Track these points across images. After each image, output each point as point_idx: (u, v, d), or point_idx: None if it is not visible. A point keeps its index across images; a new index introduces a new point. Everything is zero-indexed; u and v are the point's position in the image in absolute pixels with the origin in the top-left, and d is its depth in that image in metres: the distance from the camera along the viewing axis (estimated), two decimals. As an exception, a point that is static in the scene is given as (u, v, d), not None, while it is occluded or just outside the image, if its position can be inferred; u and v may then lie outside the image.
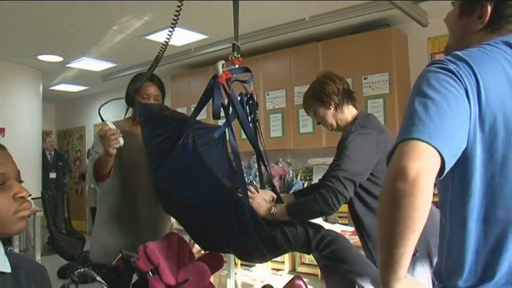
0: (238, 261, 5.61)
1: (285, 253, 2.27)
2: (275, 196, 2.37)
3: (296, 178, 5.92)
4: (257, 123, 2.44)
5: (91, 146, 2.50)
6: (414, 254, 1.69)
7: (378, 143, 2.19)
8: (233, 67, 2.24)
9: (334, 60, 5.62)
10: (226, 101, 2.21)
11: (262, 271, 5.84)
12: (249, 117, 2.40)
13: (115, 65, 7.16)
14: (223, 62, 2.18)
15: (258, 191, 2.35)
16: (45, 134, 8.63)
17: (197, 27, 5.43)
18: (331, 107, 2.34)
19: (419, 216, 0.97)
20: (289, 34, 5.67)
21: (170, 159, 2.21)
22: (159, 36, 5.68)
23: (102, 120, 2.26)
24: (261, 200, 2.24)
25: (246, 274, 5.78)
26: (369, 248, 2.28)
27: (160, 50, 2.17)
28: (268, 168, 2.55)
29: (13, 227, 1.16)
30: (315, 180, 5.77)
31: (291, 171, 5.97)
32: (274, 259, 5.77)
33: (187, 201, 2.18)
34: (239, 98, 2.32)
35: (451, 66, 1.08)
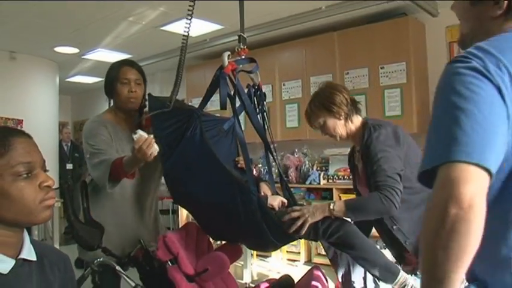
0: (254, 252, 5.62)
1: (293, 241, 2.27)
2: (285, 201, 2.37)
3: (312, 169, 5.90)
4: (265, 114, 2.43)
5: (86, 153, 2.43)
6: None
7: (395, 133, 2.25)
8: (239, 58, 2.25)
9: (350, 50, 5.58)
10: (232, 92, 2.22)
11: (278, 262, 5.85)
12: (257, 108, 2.41)
13: (130, 56, 7.15)
14: (229, 53, 2.21)
15: (270, 191, 2.37)
16: (62, 126, 8.69)
17: (213, 17, 5.41)
18: (341, 118, 2.33)
19: (475, 241, 0.92)
20: (305, 24, 5.62)
21: (179, 150, 2.24)
22: (175, 27, 5.67)
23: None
24: (312, 206, 2.25)
25: (261, 265, 5.79)
26: (398, 228, 2.25)
27: (182, 42, 2.17)
28: (276, 159, 2.55)
29: (39, 216, 1.17)
30: (331, 171, 5.75)
31: (307, 162, 5.96)
32: (290, 250, 5.80)
33: (196, 192, 2.21)
34: (246, 89, 2.33)
35: (476, 64, 1.00)
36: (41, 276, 1.24)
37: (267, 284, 2.41)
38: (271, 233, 2.12)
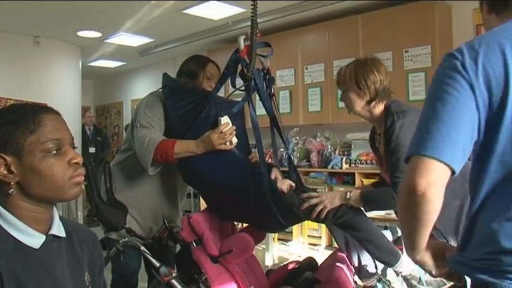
0: (276, 236, 5.64)
1: (301, 221, 2.28)
2: (293, 184, 2.37)
3: (334, 153, 5.86)
4: (273, 98, 2.47)
5: (136, 122, 2.46)
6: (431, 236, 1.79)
7: None
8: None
9: (374, 33, 5.49)
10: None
11: (299, 246, 5.85)
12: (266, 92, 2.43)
13: (152, 40, 7.18)
14: (245, 36, 2.23)
15: (280, 176, 2.37)
16: (84, 110, 8.78)
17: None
18: (365, 98, 2.22)
19: (429, 218, 1.18)
20: (328, 7, 5.56)
21: (192, 130, 2.28)
22: (197, 10, 5.65)
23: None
24: (330, 193, 2.28)
25: (283, 248, 5.81)
26: None
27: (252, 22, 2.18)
28: (285, 142, 2.59)
29: (68, 193, 1.18)
30: (353, 155, 5.71)
31: (329, 146, 5.92)
32: (311, 234, 5.80)
33: (207, 172, 2.25)
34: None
35: (456, 61, 1.15)
36: (71, 252, 1.25)
37: (294, 264, 2.42)
38: (280, 214, 2.16)
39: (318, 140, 5.99)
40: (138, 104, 2.54)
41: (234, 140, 2.22)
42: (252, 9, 2.20)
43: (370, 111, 2.26)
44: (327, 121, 5.94)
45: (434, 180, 1.13)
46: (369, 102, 2.23)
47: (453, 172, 1.15)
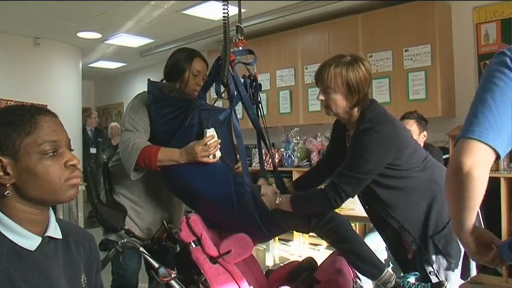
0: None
1: (285, 232, 2.30)
2: (278, 192, 2.36)
3: (334, 153, 5.84)
4: (260, 105, 2.45)
5: (122, 125, 2.46)
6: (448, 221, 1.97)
7: (396, 138, 2.08)
8: (237, 49, 2.26)
9: (374, 33, 5.50)
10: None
11: (300, 246, 5.84)
12: (252, 99, 2.42)
13: (152, 40, 7.19)
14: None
15: (266, 183, 2.39)
16: (85, 111, 8.80)
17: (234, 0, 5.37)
18: (352, 102, 2.10)
19: (475, 195, 1.25)
20: (328, 6, 5.56)
21: (176, 139, 2.27)
22: (197, 11, 5.67)
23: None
24: (267, 190, 2.26)
25: (283, 249, 5.80)
26: (391, 216, 2.18)
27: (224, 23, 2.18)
28: (270, 150, 2.57)
29: (64, 195, 1.17)
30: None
31: (329, 146, 5.90)
32: (312, 234, 5.76)
33: (190, 181, 2.23)
34: (243, 80, 2.34)
35: (505, 57, 1.26)
36: (67, 254, 1.25)
37: (294, 264, 2.43)
38: (263, 225, 2.16)
39: (319, 140, 5.98)
40: (127, 107, 2.52)
41: (218, 153, 2.19)
42: (223, 9, 2.19)
43: (350, 114, 2.16)
44: (327, 121, 5.90)
45: (479, 161, 1.22)
46: (354, 106, 2.12)
47: (498, 156, 1.24)
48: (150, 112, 2.38)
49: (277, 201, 2.18)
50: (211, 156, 2.18)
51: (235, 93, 2.25)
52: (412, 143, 2.19)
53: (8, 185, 1.12)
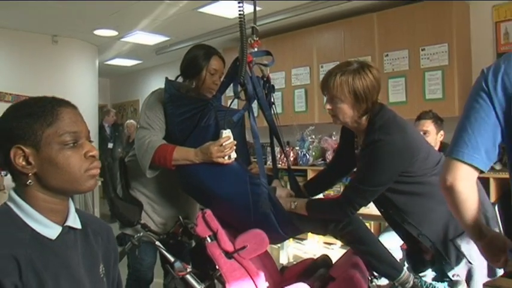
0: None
1: (301, 233, 2.29)
2: (293, 194, 2.37)
3: (349, 152, 5.82)
4: (273, 106, 2.45)
5: (137, 122, 2.46)
6: None
7: (406, 145, 2.03)
8: (253, 50, 2.27)
9: (390, 32, 5.45)
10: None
11: (314, 244, 5.83)
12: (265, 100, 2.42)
13: (168, 38, 7.21)
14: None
15: (280, 185, 2.39)
16: (101, 108, 8.89)
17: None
18: (360, 111, 2.07)
19: (464, 207, 1.40)
20: (343, 5, 5.53)
21: (191, 138, 2.27)
22: (212, 9, 5.67)
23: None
24: (281, 193, 2.27)
25: (298, 247, 5.79)
26: (408, 222, 2.18)
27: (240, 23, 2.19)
28: (284, 150, 2.57)
29: (84, 185, 1.19)
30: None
31: (344, 145, 5.88)
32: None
33: (206, 181, 2.24)
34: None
35: (481, 77, 1.41)
36: (86, 244, 1.27)
37: (309, 261, 2.43)
38: (280, 226, 2.17)
39: (334, 138, 5.96)
40: (143, 103, 2.53)
41: (233, 155, 2.19)
42: (239, 8, 2.19)
43: (358, 123, 2.13)
44: (342, 120, 5.91)
45: (459, 176, 1.39)
46: (362, 115, 2.09)
47: (481, 170, 1.40)
48: (166, 110, 2.39)
49: (292, 206, 2.20)
50: (226, 157, 2.17)
51: (253, 93, 2.25)
52: (425, 147, 2.15)
53: (30, 174, 1.15)
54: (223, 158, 2.17)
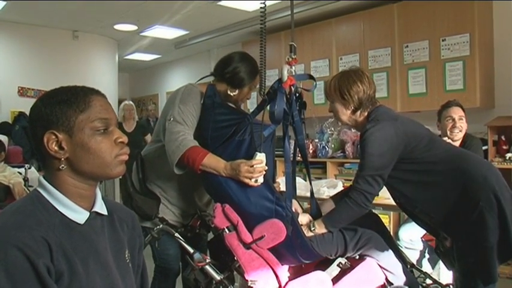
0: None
1: (318, 259, 2.29)
2: (312, 220, 2.34)
3: (369, 144, 5.79)
4: (303, 124, 2.45)
5: (170, 115, 2.36)
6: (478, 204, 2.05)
7: (397, 130, 2.19)
8: (299, 74, 2.36)
9: (410, 23, 5.40)
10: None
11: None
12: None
13: (187, 32, 7.24)
14: (288, 67, 2.26)
15: (300, 210, 2.42)
16: (120, 102, 8.99)
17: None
18: (349, 108, 2.30)
19: None
20: (363, -4, 5.50)
21: (222, 149, 2.29)
22: (231, 2, 5.70)
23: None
24: (303, 219, 2.29)
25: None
26: (420, 210, 2.30)
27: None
28: (309, 173, 2.56)
29: (114, 170, 1.24)
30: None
31: (363, 137, 5.85)
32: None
33: (234, 195, 2.22)
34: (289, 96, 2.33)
35: None
36: (112, 230, 1.30)
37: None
38: (298, 251, 2.18)
39: (353, 130, 5.93)
40: (172, 95, 2.49)
41: (261, 179, 2.18)
42: (261, 16, 2.19)
43: (355, 120, 2.34)
44: (361, 112, 5.87)
45: None
46: (353, 112, 2.30)
47: None
48: (205, 115, 2.38)
49: (311, 230, 2.23)
50: (253, 180, 2.17)
51: (289, 117, 2.29)
52: (426, 136, 2.26)
53: (62, 159, 1.19)
54: (251, 179, 2.17)
